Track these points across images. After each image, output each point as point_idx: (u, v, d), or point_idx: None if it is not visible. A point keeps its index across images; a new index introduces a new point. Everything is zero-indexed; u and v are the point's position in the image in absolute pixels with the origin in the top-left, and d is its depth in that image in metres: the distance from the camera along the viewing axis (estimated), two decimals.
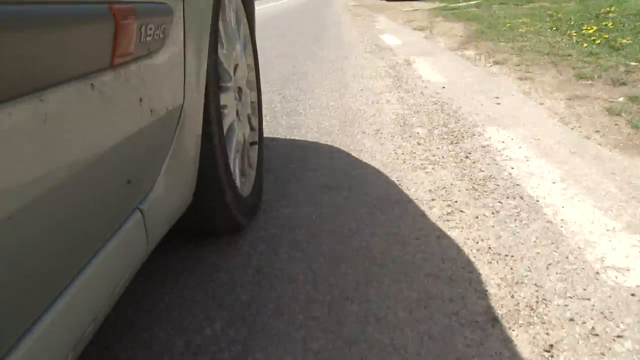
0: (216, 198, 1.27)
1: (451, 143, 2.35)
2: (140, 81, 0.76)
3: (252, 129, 1.74)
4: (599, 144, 2.26)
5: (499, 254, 1.42)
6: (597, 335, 1.10)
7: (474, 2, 10.94)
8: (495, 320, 1.15)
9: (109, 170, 0.71)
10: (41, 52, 0.50)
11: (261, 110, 1.91)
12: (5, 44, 0.45)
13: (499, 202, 1.73)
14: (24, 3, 0.48)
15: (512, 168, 2.03)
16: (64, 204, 0.60)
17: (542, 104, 2.95)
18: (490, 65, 4.13)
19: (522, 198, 1.76)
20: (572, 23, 5.99)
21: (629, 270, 1.32)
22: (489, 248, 1.45)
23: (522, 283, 1.28)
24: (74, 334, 0.65)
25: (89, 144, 0.62)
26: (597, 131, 2.42)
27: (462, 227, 1.56)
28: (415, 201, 1.75)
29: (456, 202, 1.75)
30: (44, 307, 0.58)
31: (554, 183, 1.87)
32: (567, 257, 1.39)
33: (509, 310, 1.18)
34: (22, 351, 0.53)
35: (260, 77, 1.98)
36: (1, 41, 0.44)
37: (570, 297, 1.22)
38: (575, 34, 5.22)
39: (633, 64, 3.65)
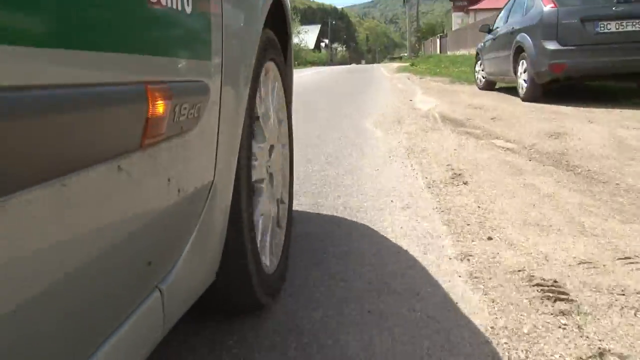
0: (240, 277, 1.22)
1: None
2: (170, 161, 0.74)
3: (281, 202, 1.72)
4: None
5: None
6: None
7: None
8: None
9: (130, 254, 0.68)
10: (65, 139, 0.48)
11: (292, 187, 1.89)
12: (26, 131, 0.43)
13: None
14: (43, 88, 0.46)
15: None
16: (82, 284, 0.57)
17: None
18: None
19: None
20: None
21: None
22: None
23: None
24: None
25: (110, 228, 0.59)
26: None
27: None
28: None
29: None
30: None
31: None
32: None
33: None
34: None
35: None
36: (23, 128, 0.42)
37: None
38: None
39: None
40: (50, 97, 0.45)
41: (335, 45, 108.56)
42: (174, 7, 0.72)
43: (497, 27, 8.58)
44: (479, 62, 9.48)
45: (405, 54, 63.16)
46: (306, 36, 74.42)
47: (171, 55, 0.73)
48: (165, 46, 0.71)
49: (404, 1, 52.01)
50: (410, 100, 7.57)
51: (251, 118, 1.21)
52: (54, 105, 0.46)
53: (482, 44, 9.37)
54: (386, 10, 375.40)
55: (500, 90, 8.81)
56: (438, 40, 40.63)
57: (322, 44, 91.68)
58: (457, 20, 45.84)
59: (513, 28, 7.42)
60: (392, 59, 70.25)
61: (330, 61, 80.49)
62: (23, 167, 0.43)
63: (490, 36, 8.85)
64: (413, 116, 5.72)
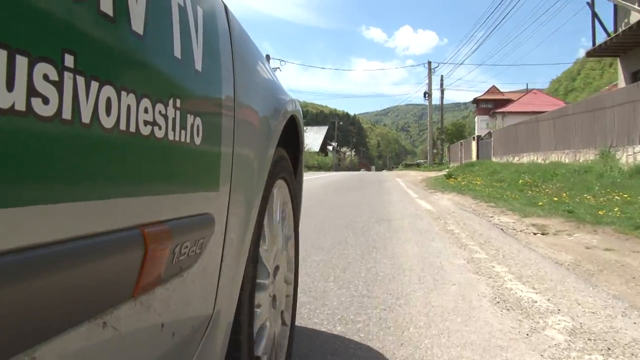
0: None
1: None
2: (165, 306, 0.67)
3: (283, 324, 1.61)
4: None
5: None
6: None
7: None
8: None
9: None
10: (40, 304, 0.41)
11: (295, 306, 1.79)
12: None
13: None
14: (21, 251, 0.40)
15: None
16: None
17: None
18: None
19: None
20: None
21: None
22: None
23: None
24: None
25: None
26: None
27: None
28: None
29: None
30: None
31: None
32: None
33: None
34: None
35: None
36: None
37: None
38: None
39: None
40: (26, 261, 0.39)
41: (344, 149, 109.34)
42: (182, 140, 0.68)
43: None
44: None
45: (423, 161, 54.24)
46: (310, 136, 71.60)
47: (174, 193, 0.67)
48: (167, 184, 0.65)
49: (424, 95, 47.56)
50: None
51: (258, 242, 1.15)
52: (29, 270, 0.39)
53: None
54: (397, 119, 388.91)
55: None
56: (474, 143, 29.64)
57: (330, 147, 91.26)
58: (481, 124, 44.41)
59: None
60: (407, 166, 58.42)
61: (337, 166, 79.45)
62: None
63: None
64: None
